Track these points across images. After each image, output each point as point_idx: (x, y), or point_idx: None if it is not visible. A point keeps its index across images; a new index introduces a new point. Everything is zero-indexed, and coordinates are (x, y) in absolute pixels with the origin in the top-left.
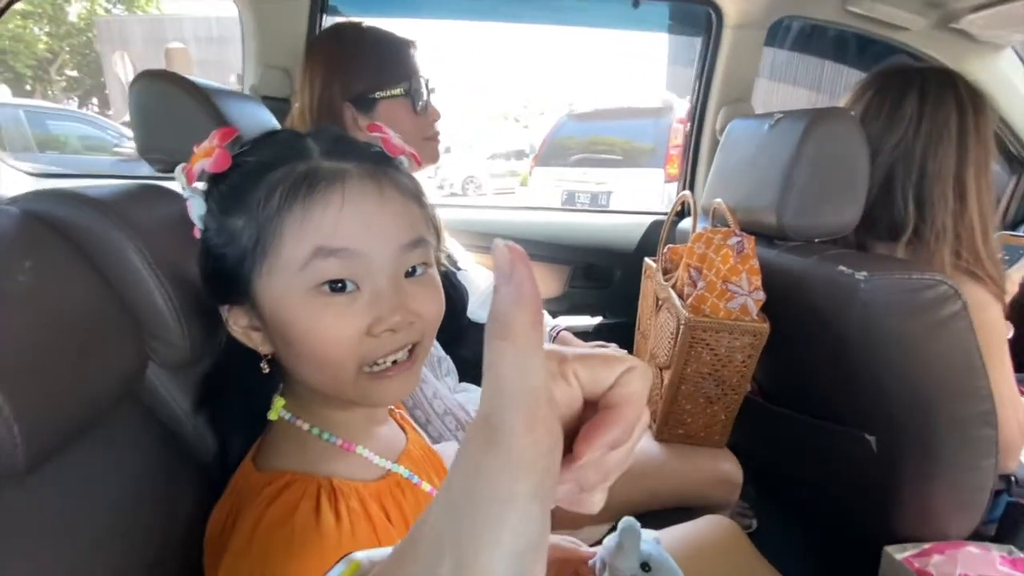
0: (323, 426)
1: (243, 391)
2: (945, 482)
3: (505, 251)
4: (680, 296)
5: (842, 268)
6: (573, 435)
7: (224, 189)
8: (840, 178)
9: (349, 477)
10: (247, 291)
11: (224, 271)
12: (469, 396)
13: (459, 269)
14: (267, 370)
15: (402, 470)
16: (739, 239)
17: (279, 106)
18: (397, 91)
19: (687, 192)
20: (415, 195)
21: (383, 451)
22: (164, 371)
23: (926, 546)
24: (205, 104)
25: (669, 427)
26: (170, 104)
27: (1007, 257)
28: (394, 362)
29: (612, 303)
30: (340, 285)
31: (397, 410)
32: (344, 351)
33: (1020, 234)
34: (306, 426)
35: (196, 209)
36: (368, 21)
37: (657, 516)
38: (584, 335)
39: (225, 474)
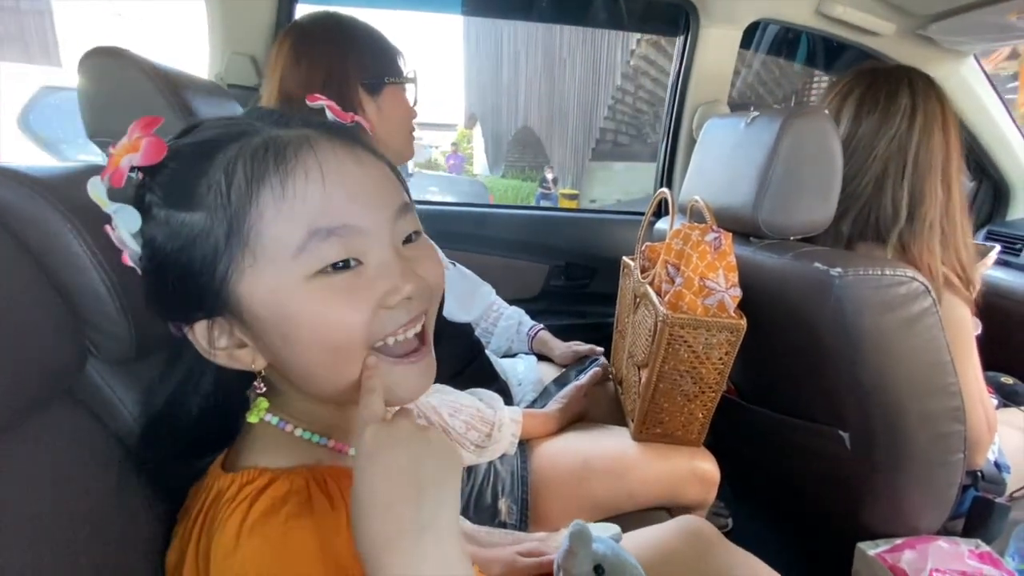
0: (313, 428)
1: (214, 417)
2: (916, 477)
3: None
4: (658, 293)
5: (817, 264)
6: None
7: (166, 182)
8: (814, 176)
9: (339, 464)
10: (224, 297)
11: (188, 282)
12: (444, 398)
13: None
14: (263, 390)
15: None
16: (716, 235)
17: (246, 94)
18: (405, 80)
19: (665, 190)
20: (386, 160)
21: None
22: (107, 366)
23: (898, 541)
24: (163, 87)
25: (647, 426)
26: (123, 85)
27: None
28: (417, 335)
29: (590, 302)
30: (343, 264)
31: None
32: (357, 332)
33: (976, 243)
34: (298, 431)
35: (128, 224)
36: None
37: (634, 517)
38: (562, 334)
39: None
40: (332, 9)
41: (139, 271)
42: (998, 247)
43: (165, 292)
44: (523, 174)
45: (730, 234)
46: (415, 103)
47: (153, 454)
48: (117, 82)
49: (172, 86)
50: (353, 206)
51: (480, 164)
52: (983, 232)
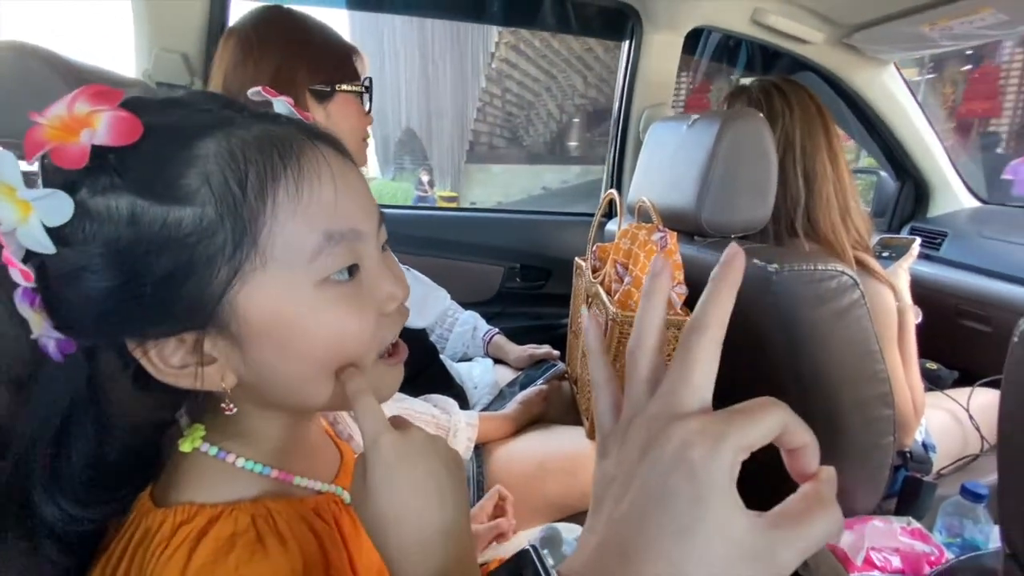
0: (256, 456)
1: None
2: (851, 461)
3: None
4: (608, 292)
5: (756, 261)
6: None
7: (139, 167)
8: (752, 176)
9: (284, 495)
10: (212, 308)
11: (170, 290)
12: (398, 405)
13: None
14: (233, 410)
15: (346, 495)
16: (662, 235)
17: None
18: (357, 87)
19: (613, 191)
20: None
21: (321, 471)
22: (4, 387)
23: None
24: (74, 83)
25: None
26: (26, 81)
27: (892, 255)
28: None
29: (546, 303)
30: (348, 270)
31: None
32: (366, 341)
33: (899, 235)
34: (240, 460)
35: (53, 215)
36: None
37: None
38: (518, 336)
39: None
40: (284, 4)
41: (30, 279)
42: (919, 239)
43: (118, 305)
44: (413, 176)
45: (675, 233)
46: (369, 110)
47: (45, 504)
48: (19, 77)
49: (86, 83)
50: (358, 210)
51: (374, 166)
52: (907, 228)
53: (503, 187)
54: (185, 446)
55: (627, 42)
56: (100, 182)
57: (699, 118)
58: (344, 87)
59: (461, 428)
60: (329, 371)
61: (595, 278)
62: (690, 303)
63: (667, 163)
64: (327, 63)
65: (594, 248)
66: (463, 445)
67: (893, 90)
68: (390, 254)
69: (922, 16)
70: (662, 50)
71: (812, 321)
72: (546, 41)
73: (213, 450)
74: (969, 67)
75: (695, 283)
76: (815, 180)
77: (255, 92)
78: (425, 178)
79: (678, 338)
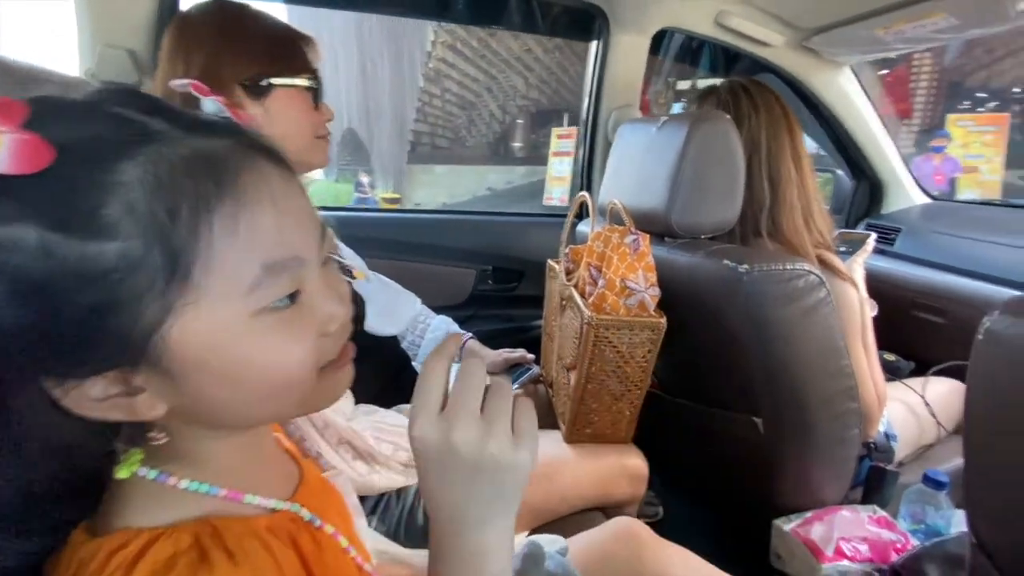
0: (202, 476)
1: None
2: (820, 455)
3: None
4: (582, 295)
5: (726, 262)
6: None
7: (48, 198)
8: (720, 177)
9: (231, 514)
10: (140, 346)
11: (90, 329)
12: (368, 420)
13: (354, 279)
14: (164, 439)
15: (304, 512)
16: (635, 237)
17: None
18: (300, 81)
19: (585, 193)
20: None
21: (277, 488)
22: None
23: (808, 515)
24: (8, 82)
25: (577, 428)
26: None
27: (849, 250)
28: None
29: (519, 305)
30: (288, 297)
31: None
32: (305, 366)
33: (856, 231)
34: (183, 482)
35: None
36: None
37: (571, 520)
38: (492, 339)
39: None
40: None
41: None
42: (874, 235)
43: (30, 344)
44: (355, 177)
45: (648, 235)
46: (316, 105)
47: None
48: None
49: (20, 81)
50: (299, 235)
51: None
52: (863, 224)
53: (447, 188)
54: (122, 472)
55: (595, 43)
56: (2, 210)
57: (668, 120)
58: (280, 81)
59: None
60: (270, 393)
61: (569, 280)
62: (662, 305)
63: (637, 165)
64: (262, 55)
65: (567, 250)
66: None
67: (849, 92)
68: (331, 269)
69: (877, 20)
70: (629, 51)
71: (781, 319)
72: (484, 42)
73: (152, 473)
74: (885, 71)
75: (666, 285)
76: (779, 183)
77: (180, 84)
78: (365, 180)
79: (652, 340)
